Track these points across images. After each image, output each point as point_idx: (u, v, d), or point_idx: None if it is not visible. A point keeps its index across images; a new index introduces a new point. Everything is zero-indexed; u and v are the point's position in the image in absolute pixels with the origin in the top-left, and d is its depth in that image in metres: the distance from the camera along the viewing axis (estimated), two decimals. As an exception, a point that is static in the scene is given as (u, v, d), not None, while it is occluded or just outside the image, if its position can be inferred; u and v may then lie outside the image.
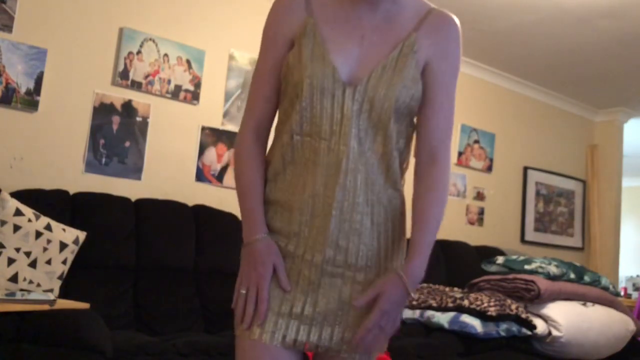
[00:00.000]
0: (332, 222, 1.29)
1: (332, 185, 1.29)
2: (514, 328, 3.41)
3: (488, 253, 4.61)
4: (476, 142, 5.19)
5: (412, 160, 1.41)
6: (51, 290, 2.60)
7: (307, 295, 1.30)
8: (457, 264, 4.45)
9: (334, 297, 1.31)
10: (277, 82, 1.38)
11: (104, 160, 3.29)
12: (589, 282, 3.96)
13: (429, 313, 3.55)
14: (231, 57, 3.82)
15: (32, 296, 2.31)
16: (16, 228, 2.56)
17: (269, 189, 1.37)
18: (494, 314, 3.33)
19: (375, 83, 1.29)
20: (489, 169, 5.29)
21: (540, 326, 3.52)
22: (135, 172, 3.40)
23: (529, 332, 3.47)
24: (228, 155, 3.75)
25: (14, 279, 2.51)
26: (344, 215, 1.30)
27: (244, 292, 1.31)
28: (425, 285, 3.82)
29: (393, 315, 1.29)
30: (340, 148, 1.29)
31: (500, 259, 4.01)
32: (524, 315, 3.43)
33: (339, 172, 1.29)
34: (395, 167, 1.35)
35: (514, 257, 4.01)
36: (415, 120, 1.41)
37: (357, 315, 1.30)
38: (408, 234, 1.38)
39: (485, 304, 3.38)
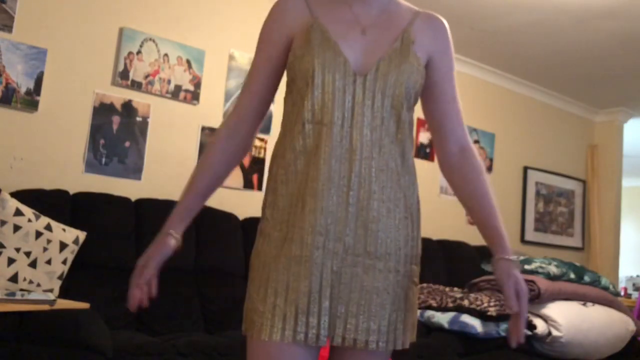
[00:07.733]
0: (350, 211, 1.29)
1: (346, 173, 1.30)
2: (514, 328, 3.41)
3: (488, 253, 4.59)
4: (476, 142, 5.19)
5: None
6: (51, 290, 2.60)
7: (329, 287, 1.28)
8: (457, 264, 4.45)
9: (356, 286, 1.29)
10: (268, 77, 1.43)
11: (104, 160, 3.29)
12: (589, 282, 3.96)
13: (429, 313, 3.55)
14: (231, 57, 3.82)
15: (32, 296, 2.31)
16: (16, 228, 2.56)
17: (281, 181, 1.35)
18: (494, 314, 3.33)
19: (385, 71, 1.33)
20: (489, 169, 5.29)
21: (540, 326, 3.52)
22: (135, 172, 3.40)
23: (529, 332, 3.47)
24: (228, 155, 3.74)
25: (14, 279, 2.51)
26: (361, 203, 1.30)
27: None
28: (425, 285, 3.82)
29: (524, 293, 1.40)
30: (353, 136, 1.30)
31: (500, 259, 3.99)
32: (524, 315, 3.43)
33: (353, 160, 1.30)
34: (409, 154, 1.38)
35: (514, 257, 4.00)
36: (427, 115, 1.50)
37: (380, 304, 1.30)
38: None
39: (485, 304, 3.38)
